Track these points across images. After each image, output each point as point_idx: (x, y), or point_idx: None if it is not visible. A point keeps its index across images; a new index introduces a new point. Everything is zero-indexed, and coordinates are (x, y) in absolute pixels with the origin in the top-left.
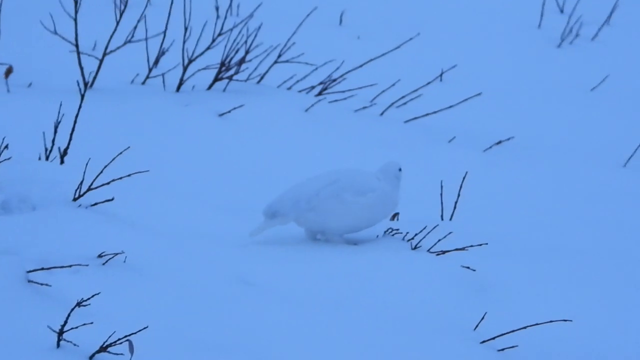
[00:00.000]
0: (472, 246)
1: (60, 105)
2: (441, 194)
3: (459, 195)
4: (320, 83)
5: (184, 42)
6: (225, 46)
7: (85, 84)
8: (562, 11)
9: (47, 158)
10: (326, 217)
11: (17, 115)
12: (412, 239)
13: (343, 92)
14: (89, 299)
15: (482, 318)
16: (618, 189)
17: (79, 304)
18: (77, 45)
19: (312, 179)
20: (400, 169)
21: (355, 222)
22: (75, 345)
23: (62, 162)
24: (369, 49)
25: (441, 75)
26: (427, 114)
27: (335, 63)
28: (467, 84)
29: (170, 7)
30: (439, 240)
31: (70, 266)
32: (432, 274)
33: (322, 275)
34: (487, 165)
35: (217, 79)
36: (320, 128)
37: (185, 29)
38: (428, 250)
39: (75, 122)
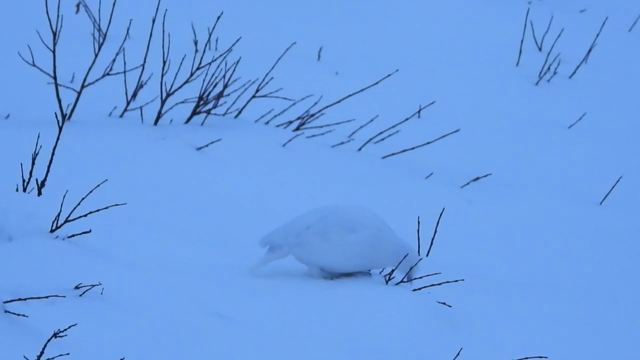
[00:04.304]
0: (448, 282)
1: (38, 136)
2: (418, 230)
3: (435, 231)
4: (298, 118)
5: (162, 76)
6: (204, 80)
7: (63, 116)
8: (540, 49)
9: (24, 189)
10: (312, 256)
11: None
12: (389, 274)
13: (321, 127)
14: (65, 330)
15: (458, 354)
16: (594, 227)
17: (55, 335)
18: (55, 77)
19: (310, 212)
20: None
21: (346, 263)
22: None
23: (39, 193)
24: (347, 85)
25: (419, 111)
26: (404, 150)
27: (313, 98)
28: (445, 121)
29: (149, 41)
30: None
31: (47, 297)
32: (407, 310)
33: (296, 308)
34: (464, 202)
35: (195, 112)
36: (297, 163)
37: (164, 62)
38: (402, 285)
39: (53, 153)
